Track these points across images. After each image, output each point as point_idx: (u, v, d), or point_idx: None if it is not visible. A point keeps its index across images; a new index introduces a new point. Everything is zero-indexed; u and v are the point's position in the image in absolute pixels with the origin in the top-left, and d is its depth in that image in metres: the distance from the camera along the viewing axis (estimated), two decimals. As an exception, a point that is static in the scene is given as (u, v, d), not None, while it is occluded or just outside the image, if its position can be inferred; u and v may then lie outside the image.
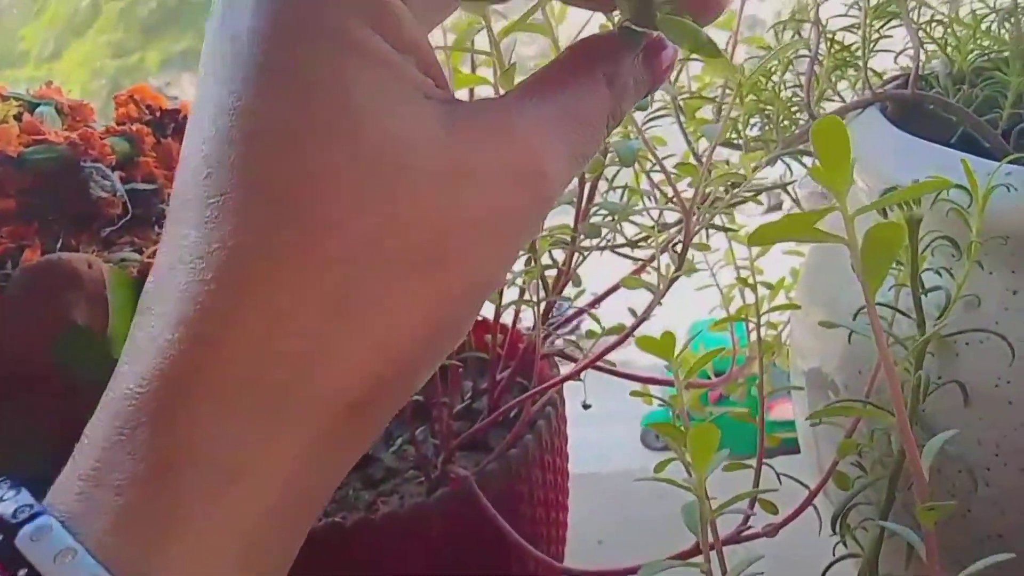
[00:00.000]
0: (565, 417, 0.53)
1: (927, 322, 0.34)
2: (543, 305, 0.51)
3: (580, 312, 0.54)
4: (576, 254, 0.50)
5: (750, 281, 0.50)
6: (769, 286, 0.53)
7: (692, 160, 0.50)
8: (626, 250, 0.55)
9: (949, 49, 0.48)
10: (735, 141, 0.50)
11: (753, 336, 0.49)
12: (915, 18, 0.46)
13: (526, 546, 0.41)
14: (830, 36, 0.48)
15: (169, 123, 0.54)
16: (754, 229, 0.24)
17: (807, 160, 0.46)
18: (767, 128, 0.49)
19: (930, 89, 0.49)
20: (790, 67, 0.48)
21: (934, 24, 0.48)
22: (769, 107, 0.49)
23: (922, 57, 0.49)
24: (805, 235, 0.23)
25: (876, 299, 0.35)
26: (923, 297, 0.34)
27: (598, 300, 0.55)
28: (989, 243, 0.34)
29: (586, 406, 0.57)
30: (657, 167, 0.48)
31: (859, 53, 0.47)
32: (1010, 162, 0.34)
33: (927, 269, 0.34)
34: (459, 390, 0.51)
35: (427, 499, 0.42)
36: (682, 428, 0.33)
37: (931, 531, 0.27)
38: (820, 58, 0.49)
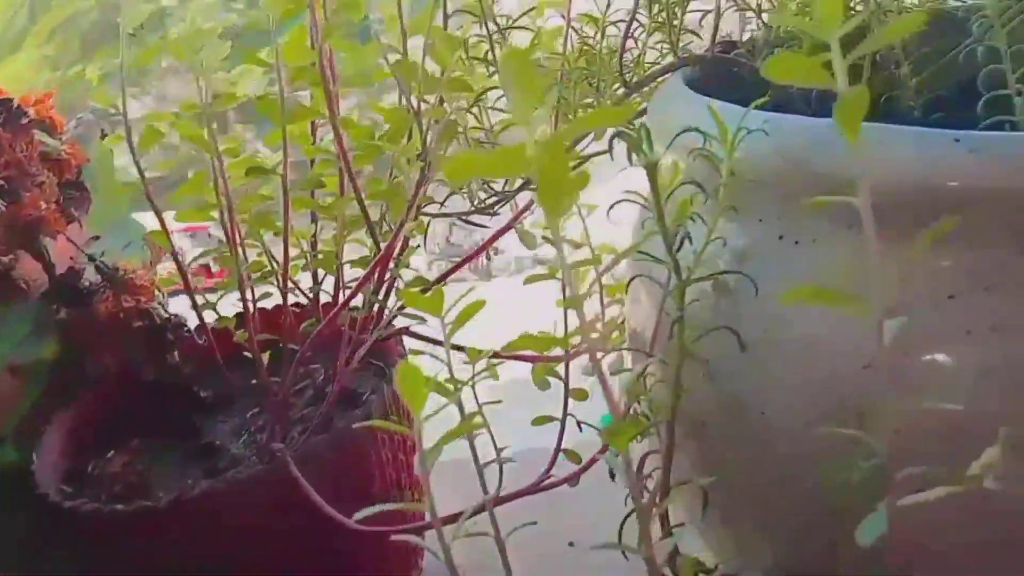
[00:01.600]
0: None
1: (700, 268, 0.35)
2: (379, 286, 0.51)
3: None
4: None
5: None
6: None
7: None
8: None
9: (764, 15, 0.49)
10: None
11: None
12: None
13: (340, 519, 0.41)
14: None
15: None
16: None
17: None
18: (593, 97, 0.50)
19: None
20: (606, 35, 0.49)
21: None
22: (595, 74, 0.50)
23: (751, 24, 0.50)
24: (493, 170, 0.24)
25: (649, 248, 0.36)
26: (713, 246, 0.35)
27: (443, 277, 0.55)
28: (758, 191, 0.35)
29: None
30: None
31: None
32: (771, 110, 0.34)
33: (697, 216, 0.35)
34: (292, 375, 0.51)
35: (240, 475, 0.42)
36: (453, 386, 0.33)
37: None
38: (641, 25, 0.49)
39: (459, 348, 0.53)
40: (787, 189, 0.34)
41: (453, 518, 0.33)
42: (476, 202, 0.54)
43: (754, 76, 0.47)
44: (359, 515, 0.28)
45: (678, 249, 0.33)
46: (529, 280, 0.44)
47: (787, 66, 0.21)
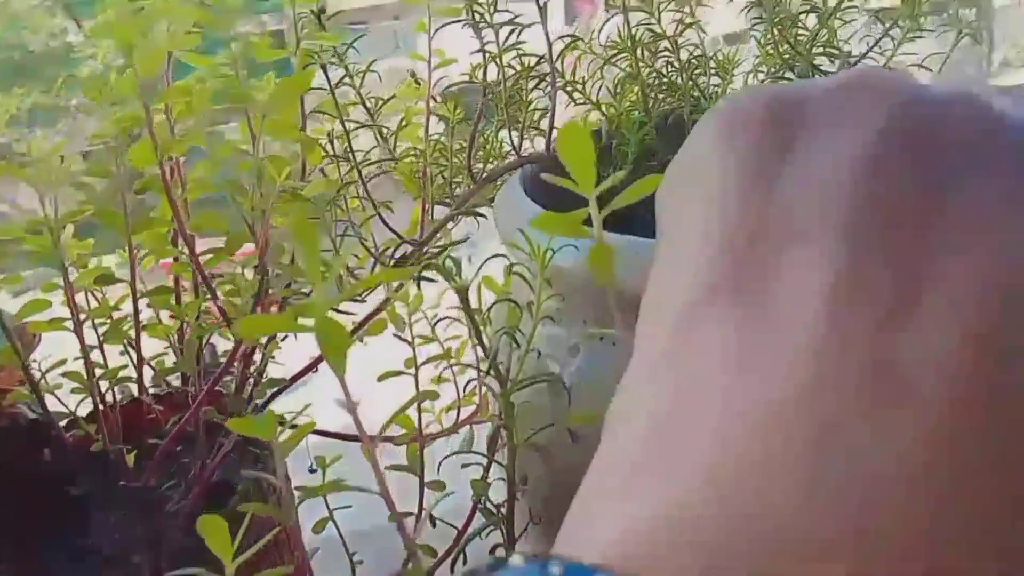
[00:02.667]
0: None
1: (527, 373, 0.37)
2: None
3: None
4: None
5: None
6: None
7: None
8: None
9: (603, 107, 0.51)
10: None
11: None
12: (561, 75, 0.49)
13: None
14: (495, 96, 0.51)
15: None
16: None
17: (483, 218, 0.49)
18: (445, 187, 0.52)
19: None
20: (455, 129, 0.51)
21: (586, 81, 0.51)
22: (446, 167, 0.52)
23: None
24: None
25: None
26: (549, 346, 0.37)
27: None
28: (580, 295, 0.37)
29: (312, 470, 0.58)
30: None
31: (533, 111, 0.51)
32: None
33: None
34: (155, 472, 0.50)
35: None
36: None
37: None
38: (490, 120, 0.52)
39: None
40: (596, 296, 0.36)
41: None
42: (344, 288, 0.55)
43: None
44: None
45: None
46: (383, 377, 0.45)
47: (551, 223, 0.23)
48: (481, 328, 0.34)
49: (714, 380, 0.16)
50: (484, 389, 0.43)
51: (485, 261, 0.32)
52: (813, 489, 0.14)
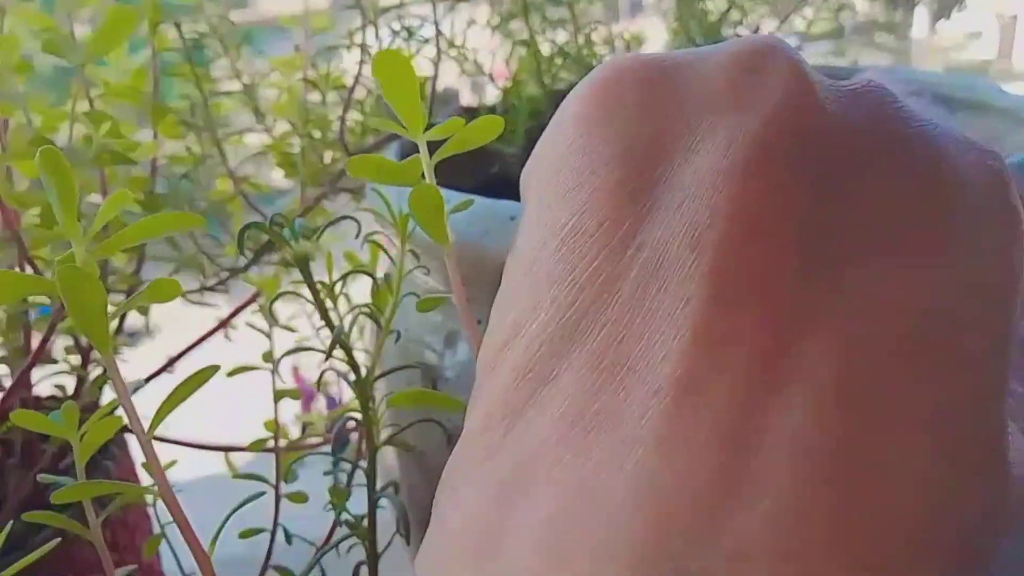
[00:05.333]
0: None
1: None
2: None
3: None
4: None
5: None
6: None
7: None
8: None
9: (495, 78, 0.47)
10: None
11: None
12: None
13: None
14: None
15: None
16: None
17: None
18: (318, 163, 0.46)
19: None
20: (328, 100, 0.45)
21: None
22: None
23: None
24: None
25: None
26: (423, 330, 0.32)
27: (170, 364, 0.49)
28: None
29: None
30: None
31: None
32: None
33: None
34: None
35: None
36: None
37: None
38: (368, 90, 0.47)
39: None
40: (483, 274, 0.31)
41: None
42: (205, 281, 0.49)
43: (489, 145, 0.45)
44: None
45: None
46: (233, 372, 0.39)
47: (365, 166, 0.19)
48: (329, 304, 0.28)
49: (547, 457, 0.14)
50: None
51: (330, 223, 0.27)
52: None
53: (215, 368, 0.20)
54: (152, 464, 0.20)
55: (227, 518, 0.25)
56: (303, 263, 0.27)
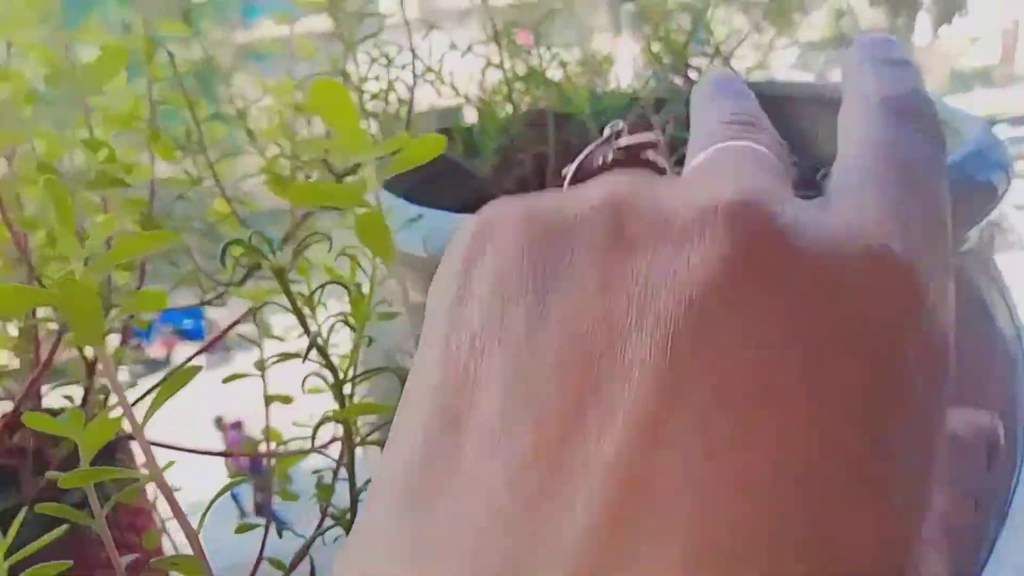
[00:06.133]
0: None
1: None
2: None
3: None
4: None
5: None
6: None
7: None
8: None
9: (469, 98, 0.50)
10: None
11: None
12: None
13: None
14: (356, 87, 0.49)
15: None
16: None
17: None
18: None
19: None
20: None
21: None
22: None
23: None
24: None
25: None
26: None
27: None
28: (419, 285, 0.35)
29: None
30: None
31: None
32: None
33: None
34: None
35: None
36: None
37: None
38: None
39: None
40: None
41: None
42: (203, 296, 0.52)
43: (467, 160, 0.48)
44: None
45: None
46: (228, 380, 0.42)
47: (305, 193, 0.21)
48: (308, 313, 0.31)
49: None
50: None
51: (303, 240, 0.30)
52: None
53: (197, 368, 0.23)
54: (141, 443, 0.23)
55: (217, 495, 0.28)
56: (280, 274, 0.30)
